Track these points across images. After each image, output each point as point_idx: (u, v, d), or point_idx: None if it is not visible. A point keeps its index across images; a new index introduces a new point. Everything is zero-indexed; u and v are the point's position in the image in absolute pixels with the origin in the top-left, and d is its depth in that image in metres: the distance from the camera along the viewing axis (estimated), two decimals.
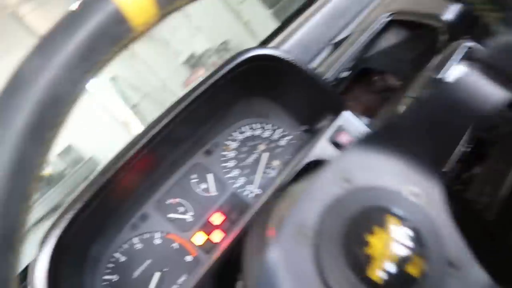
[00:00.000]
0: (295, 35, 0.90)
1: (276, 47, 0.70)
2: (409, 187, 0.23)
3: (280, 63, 0.49)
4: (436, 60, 0.77)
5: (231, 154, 0.54)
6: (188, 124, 0.50)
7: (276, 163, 0.55)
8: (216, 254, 0.45)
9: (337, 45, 0.90)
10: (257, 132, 0.56)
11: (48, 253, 0.40)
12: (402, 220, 0.22)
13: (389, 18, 0.78)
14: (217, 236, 0.49)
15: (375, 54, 0.89)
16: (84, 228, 0.44)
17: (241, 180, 0.53)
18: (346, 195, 0.23)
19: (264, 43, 0.82)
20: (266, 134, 0.56)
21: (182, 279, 0.46)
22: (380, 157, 0.24)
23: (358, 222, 0.22)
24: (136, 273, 0.48)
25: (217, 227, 0.49)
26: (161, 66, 3.63)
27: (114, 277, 0.48)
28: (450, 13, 0.83)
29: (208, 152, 0.54)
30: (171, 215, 0.50)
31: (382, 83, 1.12)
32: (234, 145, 0.55)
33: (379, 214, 0.22)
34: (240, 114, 0.56)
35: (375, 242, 0.21)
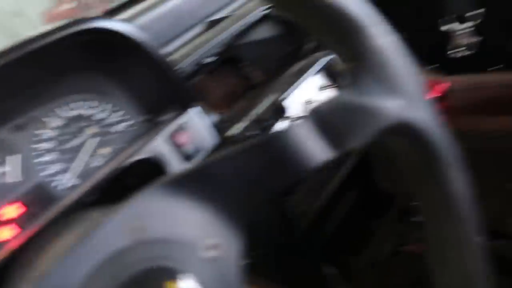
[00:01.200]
0: (168, 2, 0.81)
1: (129, 19, 0.61)
2: (208, 238, 0.20)
3: (125, 42, 0.42)
4: (297, 66, 0.78)
5: (50, 133, 0.45)
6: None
7: (106, 150, 0.48)
8: (1, 253, 0.36)
9: (211, 24, 0.84)
10: (90, 112, 0.48)
11: None
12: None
13: (268, 11, 0.75)
14: (7, 232, 0.40)
15: (246, 43, 0.86)
16: None
17: (56, 167, 0.44)
18: (128, 250, 0.19)
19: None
20: (101, 115, 0.48)
21: None
22: (181, 204, 0.20)
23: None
24: None
25: (9, 221, 0.40)
26: None
27: None
28: None
29: (18, 128, 0.43)
30: None
31: (246, 76, 1.11)
32: (55, 123, 0.45)
33: (163, 277, 0.19)
34: (72, 87, 0.46)
35: None
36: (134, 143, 0.47)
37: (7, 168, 0.42)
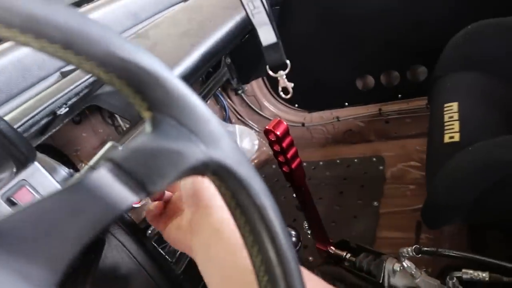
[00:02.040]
0: (14, 52, 0.77)
1: None
2: None
3: None
4: None
5: None
6: None
7: None
8: None
9: (64, 74, 0.82)
10: None
11: None
12: None
13: None
14: None
15: (107, 92, 0.85)
16: None
17: None
18: None
19: None
20: None
21: None
22: None
23: None
24: None
25: None
26: None
27: None
28: (181, 68, 0.90)
29: None
30: None
31: (113, 121, 1.09)
32: None
33: None
34: None
35: None
36: None
37: None
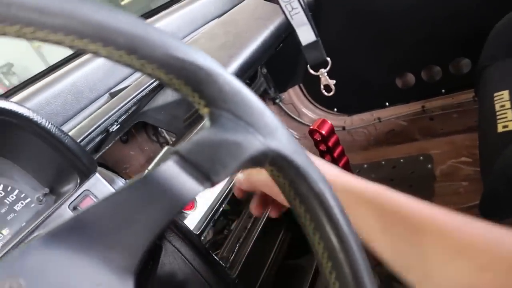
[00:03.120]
0: (70, 77, 0.82)
1: (23, 100, 0.61)
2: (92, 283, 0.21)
3: (20, 120, 0.42)
4: (207, 122, 0.83)
5: None
6: None
7: (4, 232, 0.45)
8: None
9: (113, 95, 0.86)
10: None
11: None
12: None
13: None
14: None
15: (152, 109, 0.89)
16: None
17: None
18: None
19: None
20: None
21: None
22: (65, 254, 0.21)
23: None
24: None
25: None
26: None
27: None
28: None
29: None
30: None
31: (158, 137, 1.14)
32: None
33: None
34: None
35: None
36: (35, 219, 0.45)
37: None
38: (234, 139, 0.25)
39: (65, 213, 0.43)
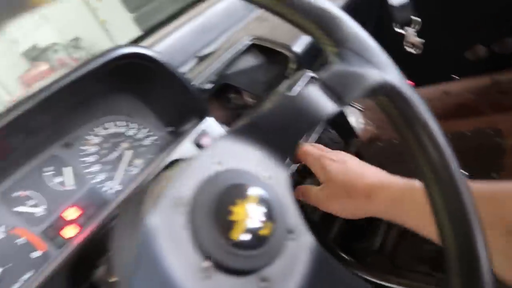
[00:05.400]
0: (161, 42, 0.92)
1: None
2: (263, 171, 0.29)
3: (153, 64, 0.52)
4: (285, 84, 0.90)
5: (92, 149, 0.53)
6: (48, 115, 0.47)
7: (139, 161, 0.56)
8: (69, 248, 0.43)
9: (201, 58, 0.96)
10: (121, 130, 0.56)
11: None
12: (257, 195, 0.27)
13: (250, 42, 0.87)
14: (70, 230, 0.47)
15: (235, 72, 0.98)
16: None
17: (101, 176, 0.52)
18: (216, 174, 0.28)
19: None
20: (131, 132, 0.57)
21: (27, 275, 0.43)
22: (244, 146, 0.29)
23: (224, 196, 0.27)
24: None
25: (71, 221, 0.47)
26: None
27: None
28: (299, 45, 0.98)
29: (67, 145, 0.51)
30: (19, 208, 0.46)
31: (239, 99, 1.23)
32: (96, 140, 0.54)
33: (241, 190, 0.27)
34: (105, 110, 0.55)
35: (237, 211, 0.26)
36: (162, 152, 0.56)
37: (64, 178, 0.50)
38: (359, 71, 0.32)
39: (189, 147, 0.53)
